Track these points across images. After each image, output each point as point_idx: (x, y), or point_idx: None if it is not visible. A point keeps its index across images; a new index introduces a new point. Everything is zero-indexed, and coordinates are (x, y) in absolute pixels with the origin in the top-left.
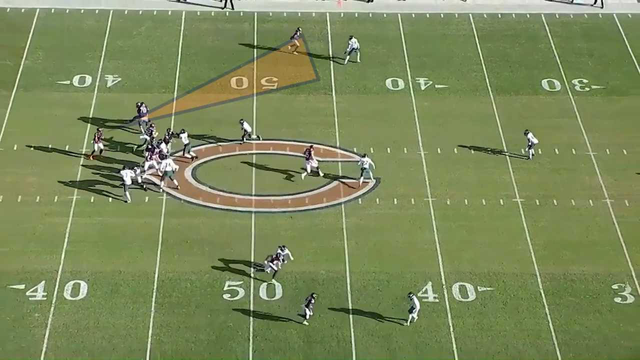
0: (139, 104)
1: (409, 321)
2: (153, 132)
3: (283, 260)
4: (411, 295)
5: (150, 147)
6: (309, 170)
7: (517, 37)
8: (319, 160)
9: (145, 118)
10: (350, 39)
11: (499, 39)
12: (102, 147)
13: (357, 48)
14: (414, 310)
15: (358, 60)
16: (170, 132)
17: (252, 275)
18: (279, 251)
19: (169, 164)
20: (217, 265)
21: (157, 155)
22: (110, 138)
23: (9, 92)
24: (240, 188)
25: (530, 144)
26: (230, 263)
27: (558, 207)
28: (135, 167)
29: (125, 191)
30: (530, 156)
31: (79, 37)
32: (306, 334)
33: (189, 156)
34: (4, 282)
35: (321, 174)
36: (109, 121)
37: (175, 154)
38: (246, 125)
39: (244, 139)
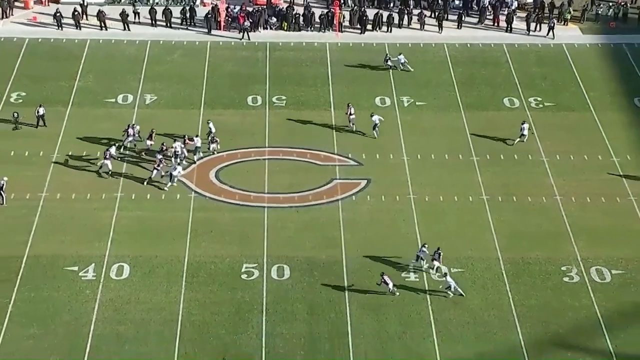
0: (130, 125)
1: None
2: (152, 136)
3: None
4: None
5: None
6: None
7: (484, 63)
8: (319, 164)
9: (131, 138)
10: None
11: (468, 64)
12: (150, 144)
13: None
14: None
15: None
16: (186, 137)
17: (264, 260)
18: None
19: (178, 168)
20: (236, 251)
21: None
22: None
23: (65, 108)
24: (255, 187)
25: (522, 133)
26: (246, 249)
27: (517, 203)
28: (176, 165)
29: (170, 181)
30: (519, 138)
31: (122, 62)
32: (310, 307)
33: (201, 155)
34: (60, 265)
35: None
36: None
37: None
38: (211, 125)
39: (208, 137)
